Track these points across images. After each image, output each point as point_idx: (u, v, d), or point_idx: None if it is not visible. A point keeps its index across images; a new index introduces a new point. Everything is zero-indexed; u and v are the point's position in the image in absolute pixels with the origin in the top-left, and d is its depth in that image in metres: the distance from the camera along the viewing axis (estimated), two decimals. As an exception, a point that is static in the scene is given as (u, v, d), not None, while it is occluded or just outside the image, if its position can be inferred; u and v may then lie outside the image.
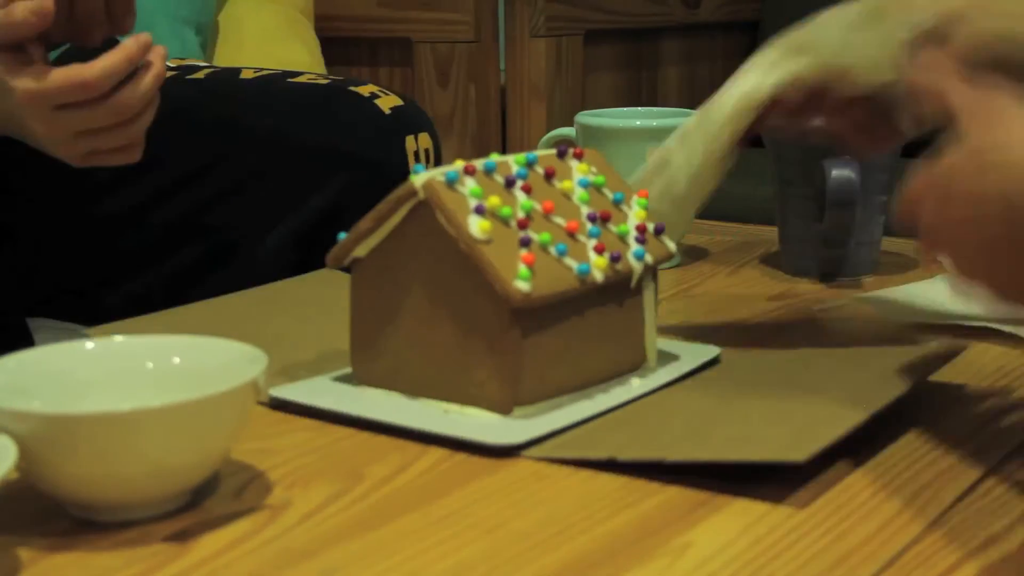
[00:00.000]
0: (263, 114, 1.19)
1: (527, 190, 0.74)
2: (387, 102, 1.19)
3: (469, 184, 0.72)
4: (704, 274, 1.07)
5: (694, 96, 2.33)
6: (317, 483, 0.65)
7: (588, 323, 0.75)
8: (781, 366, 0.81)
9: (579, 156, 0.79)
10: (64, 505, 0.61)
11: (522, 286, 0.69)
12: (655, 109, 1.19)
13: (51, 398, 0.64)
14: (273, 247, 1.17)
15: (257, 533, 0.60)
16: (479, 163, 0.74)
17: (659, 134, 1.09)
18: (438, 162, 1.19)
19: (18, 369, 0.65)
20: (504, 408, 0.72)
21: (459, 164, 0.73)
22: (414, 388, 0.75)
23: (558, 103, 2.02)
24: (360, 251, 0.75)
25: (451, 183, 0.72)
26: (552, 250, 0.72)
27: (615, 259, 0.75)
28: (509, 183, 0.74)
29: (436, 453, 0.68)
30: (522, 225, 0.72)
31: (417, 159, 1.18)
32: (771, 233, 1.13)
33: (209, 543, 0.59)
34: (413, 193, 0.72)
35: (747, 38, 2.41)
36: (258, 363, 0.63)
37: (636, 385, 0.77)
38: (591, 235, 0.75)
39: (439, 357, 0.73)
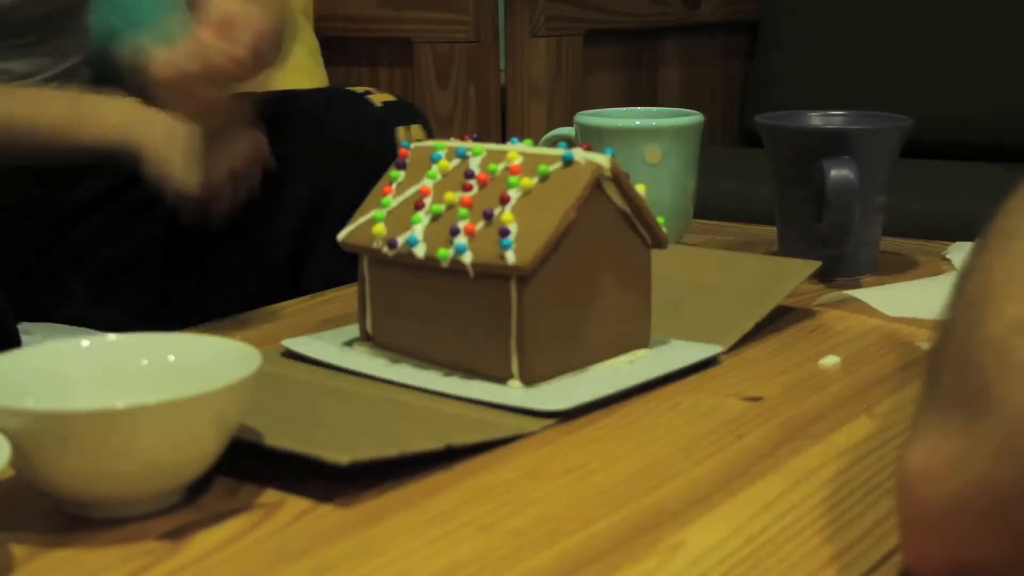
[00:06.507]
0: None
1: None
2: (379, 98, 1.21)
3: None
4: (702, 274, 1.07)
5: (694, 96, 2.33)
6: (311, 481, 0.65)
7: None
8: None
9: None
10: (58, 502, 0.61)
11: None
12: (655, 109, 1.19)
13: (45, 395, 0.65)
14: (275, 237, 1.18)
15: (251, 531, 0.60)
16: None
17: (659, 134, 1.09)
18: None
19: (12, 366, 0.65)
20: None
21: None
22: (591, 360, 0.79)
23: (558, 103, 2.02)
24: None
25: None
26: None
27: None
28: None
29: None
30: None
31: None
32: (771, 233, 1.13)
33: (203, 541, 0.59)
34: (602, 173, 0.76)
35: (747, 38, 2.41)
36: (252, 361, 0.63)
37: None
38: None
39: (612, 318, 0.79)
